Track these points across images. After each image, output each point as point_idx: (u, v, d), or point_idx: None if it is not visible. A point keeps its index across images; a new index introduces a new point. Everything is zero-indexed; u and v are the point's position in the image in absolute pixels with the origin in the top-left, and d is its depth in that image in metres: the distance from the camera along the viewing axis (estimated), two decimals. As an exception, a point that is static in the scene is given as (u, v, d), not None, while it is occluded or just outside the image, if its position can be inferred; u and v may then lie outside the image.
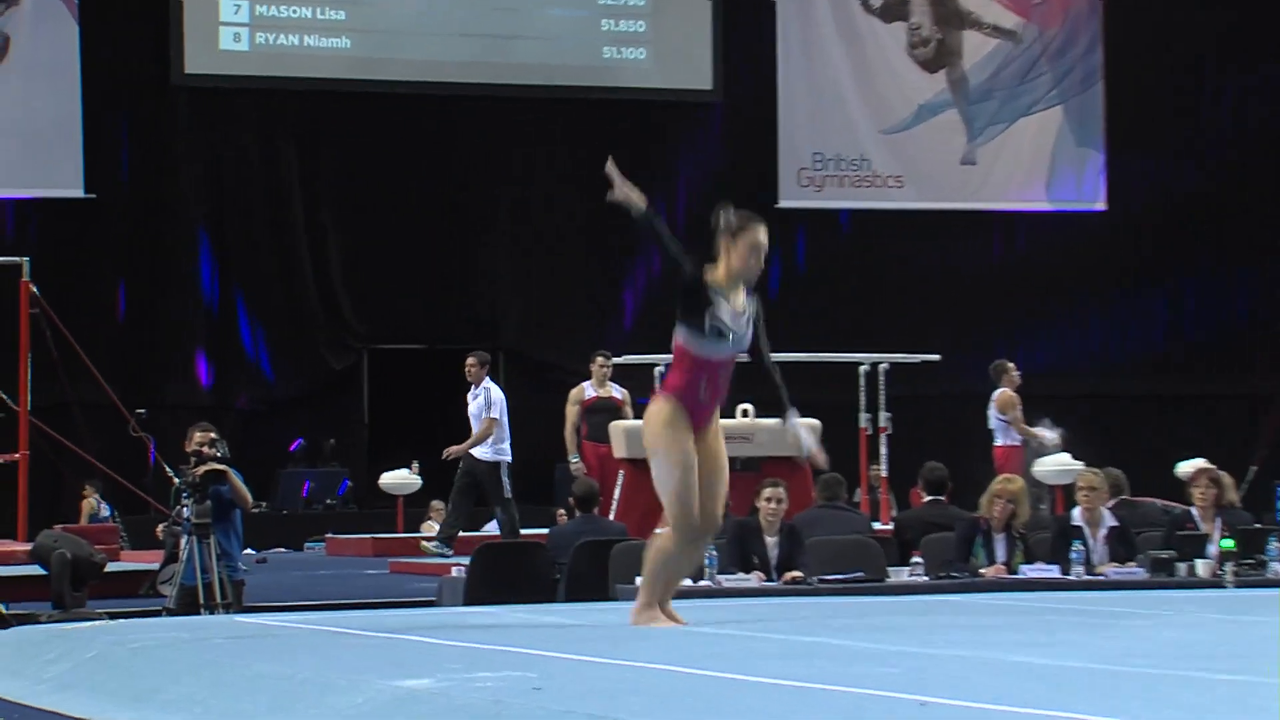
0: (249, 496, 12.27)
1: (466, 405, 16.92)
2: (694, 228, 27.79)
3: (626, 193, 7.82)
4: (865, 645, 7.14)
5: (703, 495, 7.93)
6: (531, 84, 23.27)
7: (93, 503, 20.01)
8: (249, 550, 17.87)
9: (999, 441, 16.93)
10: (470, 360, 16.95)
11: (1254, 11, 24.95)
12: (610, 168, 7.83)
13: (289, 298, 23.04)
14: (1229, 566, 11.36)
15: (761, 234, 7.87)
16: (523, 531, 16.77)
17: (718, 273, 7.86)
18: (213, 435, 12.00)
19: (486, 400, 16.71)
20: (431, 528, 20.07)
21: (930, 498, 13.53)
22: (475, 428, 16.71)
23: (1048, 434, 16.96)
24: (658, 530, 8.25)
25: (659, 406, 7.97)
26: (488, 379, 16.98)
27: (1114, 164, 24.79)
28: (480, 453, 16.66)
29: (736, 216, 7.90)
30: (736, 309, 7.82)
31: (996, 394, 17.02)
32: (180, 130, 22.77)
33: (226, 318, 22.94)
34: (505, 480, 16.63)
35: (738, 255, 7.87)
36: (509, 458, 16.73)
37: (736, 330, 7.83)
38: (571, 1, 23.69)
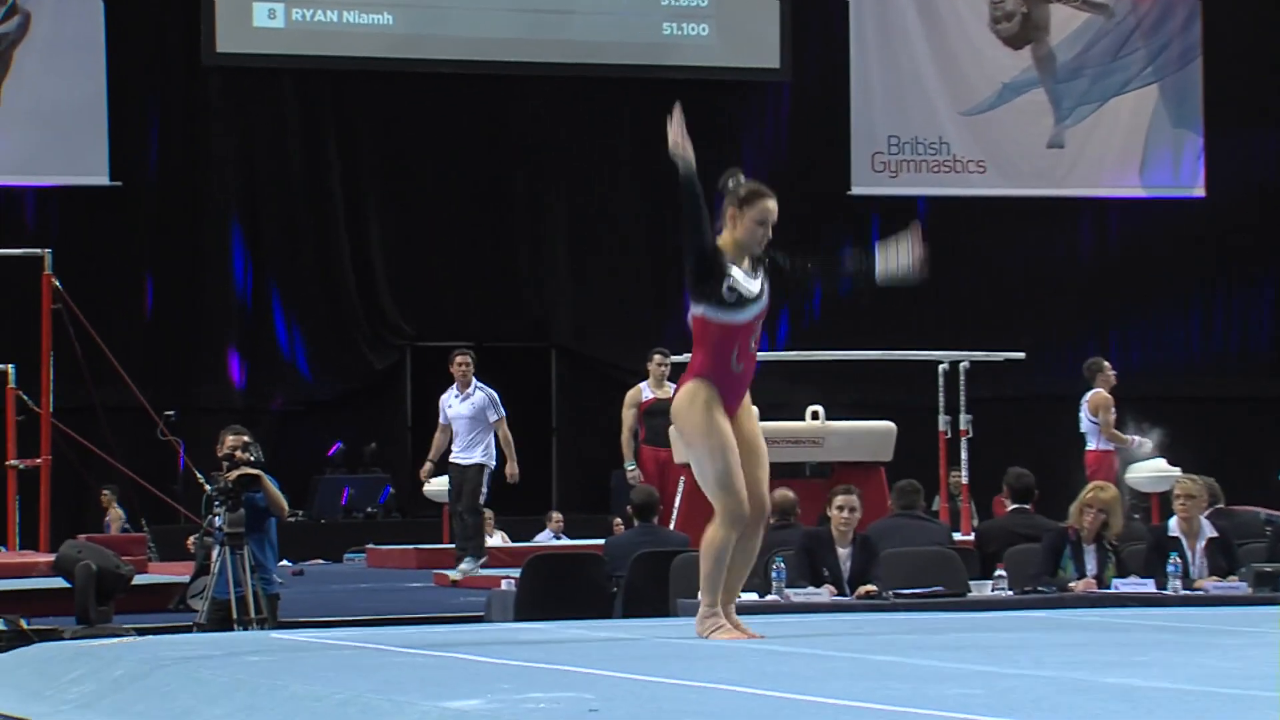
0: (285, 504, 12.31)
1: (444, 409, 16.75)
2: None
3: (684, 146, 7.91)
4: (944, 665, 7.13)
5: (746, 480, 7.96)
6: (586, 62, 23.31)
7: (119, 510, 20.15)
8: (284, 562, 17.96)
9: (1091, 446, 16.85)
10: (462, 358, 16.88)
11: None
12: (675, 114, 7.92)
13: (327, 292, 23.14)
14: (1339, 580, 11.29)
15: (771, 204, 7.99)
16: (574, 543, 16.80)
17: (724, 241, 7.98)
18: (246, 439, 12.04)
19: (489, 401, 16.69)
20: (478, 538, 20.09)
21: (1015, 506, 13.48)
22: (470, 431, 16.60)
23: (1139, 439, 16.86)
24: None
25: (688, 390, 7.99)
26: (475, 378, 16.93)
27: (1213, 147, 24.66)
28: (467, 456, 16.61)
29: (745, 186, 7.97)
30: (746, 271, 7.90)
31: (1090, 395, 16.94)
32: (212, 114, 22.91)
33: (261, 313, 23.05)
34: (486, 487, 16.61)
35: (744, 226, 8.00)
36: (494, 463, 16.69)
37: (754, 290, 7.94)
38: (629, -25, 23.71)
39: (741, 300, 7.93)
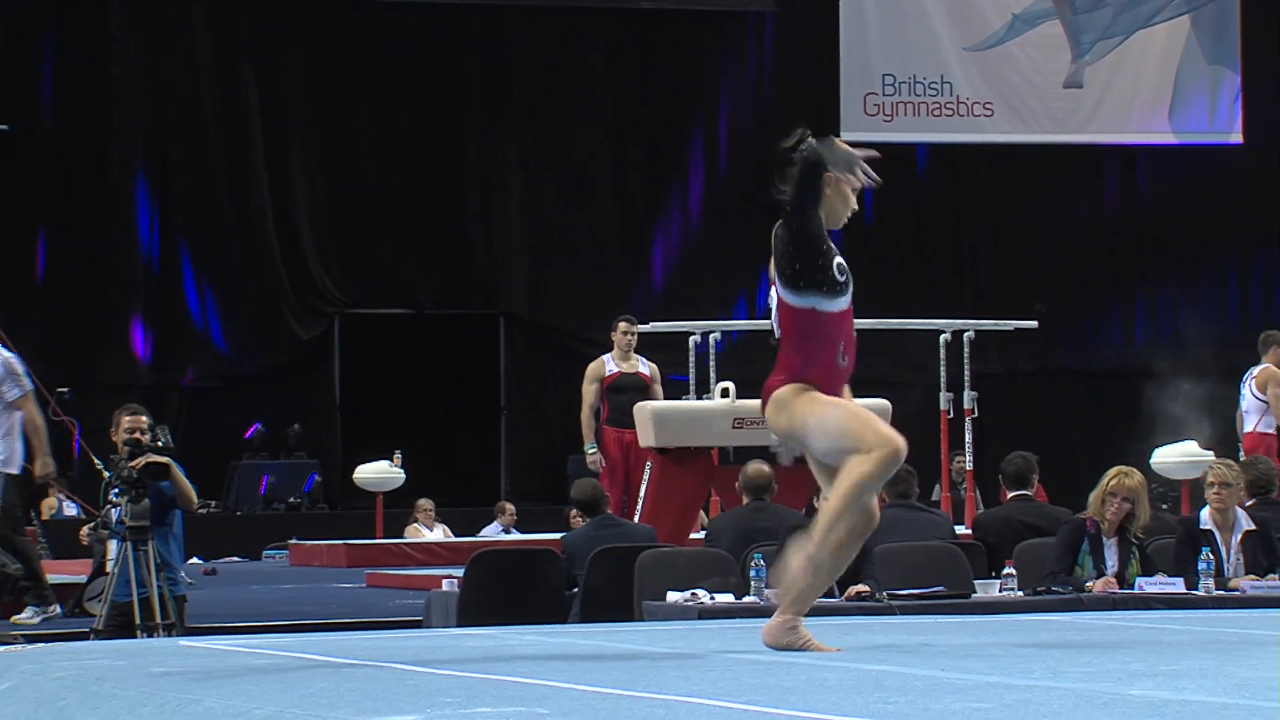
0: (194, 496, 12.28)
1: None
2: (737, 155, 27.95)
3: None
4: (947, 675, 7.15)
5: None
6: (548, -10, 23.30)
7: (54, 501, 20.09)
8: (195, 560, 17.95)
9: (1250, 427, 16.83)
10: None
11: None
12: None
13: (245, 252, 23.11)
14: (1393, 579, 11.35)
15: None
16: (528, 537, 16.79)
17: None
18: (145, 420, 12.00)
19: (4, 371, 13.68)
20: (418, 532, 20.14)
21: (1015, 493, 13.53)
22: None
23: None
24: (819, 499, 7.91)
25: (788, 391, 7.80)
26: None
27: (1253, 87, 24.72)
28: None
29: (844, 148, 7.68)
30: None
31: (1259, 368, 16.88)
32: (114, 50, 22.83)
33: (169, 277, 23.01)
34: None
35: (842, 196, 7.79)
36: (19, 464, 13.71)
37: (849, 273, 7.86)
38: (590, -110, 23.69)
39: (849, 279, 7.83)
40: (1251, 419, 16.84)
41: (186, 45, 23.00)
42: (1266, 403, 16.74)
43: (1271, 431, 16.70)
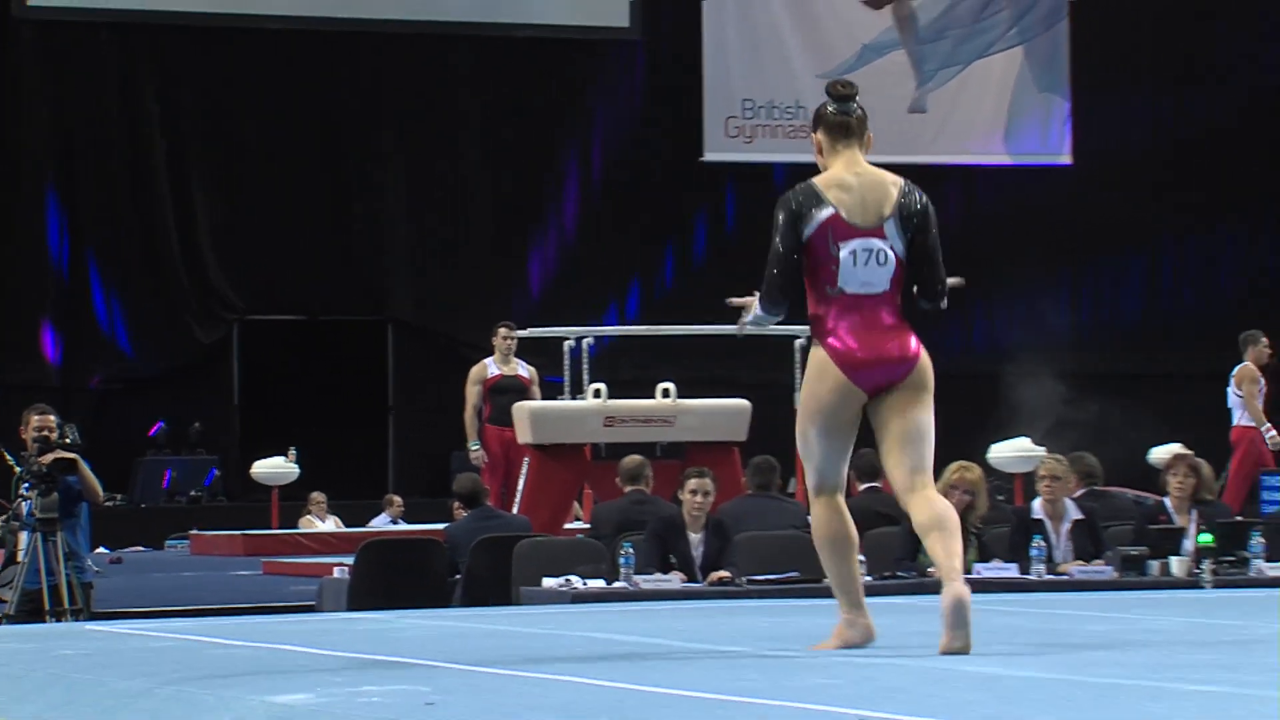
0: (100, 489, 12.20)
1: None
2: (609, 174, 27.90)
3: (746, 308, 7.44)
4: (802, 655, 7.18)
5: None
6: (428, 19, 23.19)
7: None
8: (101, 549, 17.80)
9: (1235, 421, 16.86)
10: None
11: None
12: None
13: (150, 262, 22.91)
14: (1207, 564, 11.47)
15: None
16: (415, 528, 16.74)
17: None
18: (53, 419, 11.92)
19: None
20: (311, 523, 20.05)
21: (865, 485, 13.60)
22: None
23: (1273, 431, 16.72)
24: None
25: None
26: None
27: (1081, 112, 24.92)
28: None
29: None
30: None
31: (1239, 367, 16.90)
32: (24, 71, 22.59)
33: (78, 286, 22.79)
34: None
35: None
36: None
37: None
38: (472, -74, 23.60)
39: None
40: (1235, 414, 16.91)
41: (93, 69, 22.78)
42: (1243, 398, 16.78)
43: (1254, 425, 16.75)
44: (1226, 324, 25.27)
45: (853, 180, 7.21)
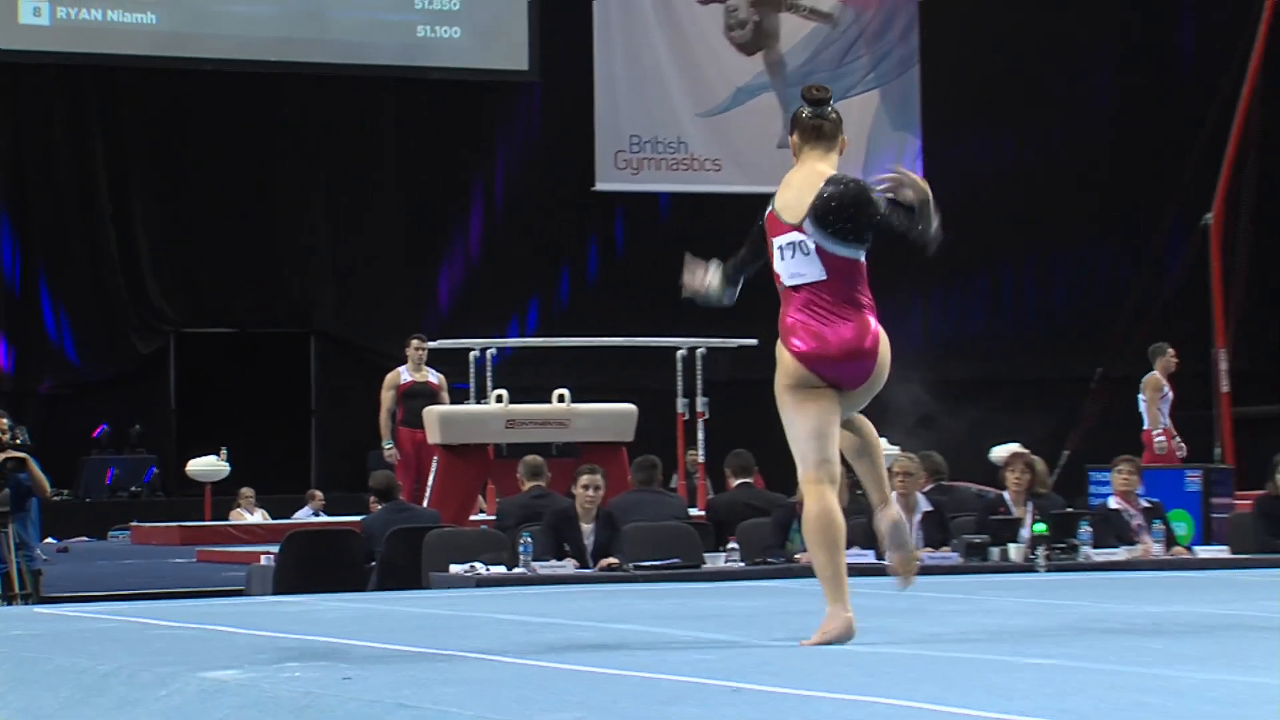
0: (47, 486, 12.10)
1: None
2: (510, 201, 27.88)
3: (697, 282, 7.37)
4: (681, 633, 7.19)
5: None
6: (345, 63, 23.08)
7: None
8: (50, 539, 17.62)
9: (1145, 426, 16.99)
10: None
11: (1069, -3, 25.41)
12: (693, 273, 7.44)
13: (94, 279, 22.69)
14: (1041, 550, 11.58)
15: None
16: (335, 519, 16.66)
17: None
18: (5, 422, 11.81)
19: None
20: (241, 515, 19.90)
21: (739, 481, 13.64)
22: None
23: (1161, 435, 16.82)
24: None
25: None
26: None
27: (931, 148, 25.10)
28: None
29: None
30: None
31: (1146, 376, 17.05)
32: (-21, 104, 22.32)
33: (29, 299, 22.54)
34: None
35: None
36: None
37: None
38: (385, -22, 23.52)
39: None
40: (1145, 419, 17.06)
41: (43, 107, 22.55)
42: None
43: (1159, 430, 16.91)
44: (1059, 336, 25.58)
45: (798, 179, 6.98)
